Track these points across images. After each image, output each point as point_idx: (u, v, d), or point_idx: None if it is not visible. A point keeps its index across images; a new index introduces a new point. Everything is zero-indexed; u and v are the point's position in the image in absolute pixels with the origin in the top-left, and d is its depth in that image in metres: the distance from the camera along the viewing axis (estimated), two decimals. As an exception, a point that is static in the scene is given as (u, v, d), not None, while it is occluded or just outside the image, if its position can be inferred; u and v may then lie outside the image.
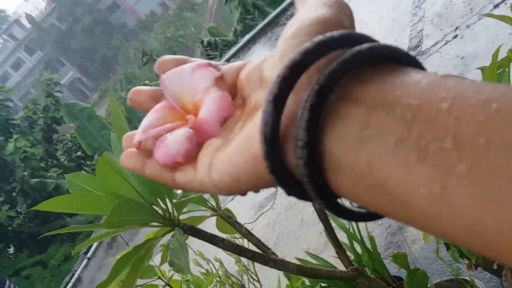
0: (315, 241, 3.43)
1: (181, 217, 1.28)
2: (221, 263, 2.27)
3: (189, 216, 1.46)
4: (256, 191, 0.34)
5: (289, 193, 0.31)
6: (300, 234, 3.81)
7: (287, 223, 4.28)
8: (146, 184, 1.21)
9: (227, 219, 1.43)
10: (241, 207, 4.89)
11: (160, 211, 1.23)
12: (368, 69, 0.28)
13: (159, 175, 0.40)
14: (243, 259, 2.53)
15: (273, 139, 0.29)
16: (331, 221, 1.58)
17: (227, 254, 2.39)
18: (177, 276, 1.93)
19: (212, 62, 0.42)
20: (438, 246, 1.72)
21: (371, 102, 0.27)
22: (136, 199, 1.17)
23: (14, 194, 13.18)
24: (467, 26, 4.25)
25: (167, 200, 1.25)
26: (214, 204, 1.46)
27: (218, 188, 0.35)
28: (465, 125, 0.23)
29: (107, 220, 1.04)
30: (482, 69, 1.16)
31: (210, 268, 2.24)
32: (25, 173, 12.83)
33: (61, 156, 14.89)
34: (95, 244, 8.73)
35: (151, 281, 1.81)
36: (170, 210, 1.25)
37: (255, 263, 2.66)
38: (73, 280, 8.26)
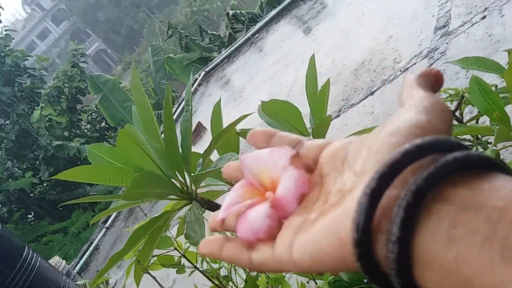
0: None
1: (199, 191, 1.29)
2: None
3: (206, 190, 1.47)
4: (334, 273, 0.36)
5: (371, 280, 0.32)
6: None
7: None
8: (166, 157, 1.22)
9: (245, 194, 1.44)
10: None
11: (178, 185, 1.24)
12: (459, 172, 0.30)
13: (236, 256, 0.41)
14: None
15: (365, 230, 0.30)
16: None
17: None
18: (193, 248, 1.95)
19: (299, 137, 0.44)
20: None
21: (461, 203, 0.28)
22: (155, 172, 1.19)
23: (37, 162, 13.35)
24: (496, 8, 4.17)
25: (185, 174, 1.26)
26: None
27: (298, 267, 0.36)
28: None
29: (126, 192, 1.06)
30: (509, 51, 1.14)
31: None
32: (49, 141, 12.98)
33: (86, 126, 15.04)
34: (113, 214, 8.85)
35: (168, 252, 1.83)
36: (188, 184, 1.26)
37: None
38: (91, 248, 8.39)
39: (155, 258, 1.86)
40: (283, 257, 0.37)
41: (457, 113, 1.53)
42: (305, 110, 1.47)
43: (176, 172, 1.24)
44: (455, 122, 1.54)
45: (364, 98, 5.01)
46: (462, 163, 0.30)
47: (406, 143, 0.32)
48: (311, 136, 1.45)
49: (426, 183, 0.29)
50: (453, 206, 0.29)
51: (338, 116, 5.12)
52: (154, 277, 1.83)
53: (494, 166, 0.30)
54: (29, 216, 13.48)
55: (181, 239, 1.70)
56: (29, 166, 13.49)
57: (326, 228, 0.34)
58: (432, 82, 0.39)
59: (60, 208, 12.98)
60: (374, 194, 0.30)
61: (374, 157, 0.33)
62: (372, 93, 4.96)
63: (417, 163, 0.31)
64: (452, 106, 1.53)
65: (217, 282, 2.00)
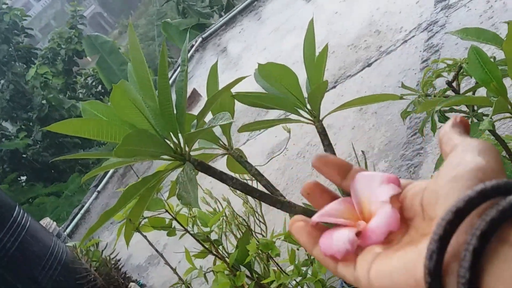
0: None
1: (192, 153, 1.28)
2: (228, 202, 2.29)
3: (200, 152, 1.47)
4: None
5: None
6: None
7: (298, 170, 4.29)
8: (160, 117, 1.21)
9: (238, 158, 1.43)
10: (253, 152, 4.90)
11: (171, 145, 1.23)
12: None
13: (324, 260, 0.46)
14: (251, 201, 2.55)
15: (436, 273, 0.33)
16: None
17: (235, 195, 2.41)
18: (184, 212, 1.96)
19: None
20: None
21: None
22: (149, 130, 1.18)
23: (30, 123, 13.31)
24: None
25: (179, 135, 1.25)
26: (226, 143, 1.46)
27: None
28: None
29: (118, 149, 1.05)
30: (508, 23, 1.13)
31: (218, 208, 2.27)
32: (44, 101, 12.92)
33: (81, 90, 14.95)
34: (105, 178, 8.87)
35: (159, 213, 1.84)
36: (182, 145, 1.25)
37: (262, 206, 2.68)
38: (82, 211, 8.43)
39: (146, 220, 1.87)
40: (361, 280, 0.41)
41: (454, 84, 1.52)
42: (302, 80, 1.46)
43: (170, 132, 1.23)
44: (451, 93, 1.53)
45: (362, 70, 4.99)
46: None
47: (470, 188, 0.35)
48: (307, 103, 1.44)
49: (490, 227, 0.32)
50: None
51: (334, 87, 5.10)
52: (145, 236, 1.84)
53: None
54: (22, 178, 13.47)
55: (173, 202, 1.70)
56: (22, 127, 13.44)
57: (404, 267, 0.37)
58: (463, 127, 0.44)
59: (53, 171, 12.97)
60: (442, 240, 0.33)
61: (442, 204, 0.37)
62: (369, 65, 4.94)
63: (481, 206, 0.34)
64: (450, 76, 1.52)
65: (207, 246, 2.01)
